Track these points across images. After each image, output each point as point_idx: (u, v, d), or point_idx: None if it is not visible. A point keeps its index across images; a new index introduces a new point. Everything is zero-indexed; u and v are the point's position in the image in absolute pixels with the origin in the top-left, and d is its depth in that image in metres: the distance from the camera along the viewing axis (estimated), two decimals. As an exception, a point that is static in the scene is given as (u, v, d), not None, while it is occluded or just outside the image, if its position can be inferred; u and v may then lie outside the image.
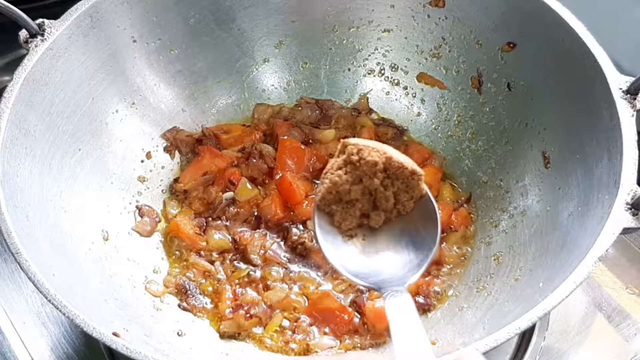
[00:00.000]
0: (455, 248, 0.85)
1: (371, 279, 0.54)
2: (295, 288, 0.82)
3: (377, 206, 0.60)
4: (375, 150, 0.58)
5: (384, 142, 0.93)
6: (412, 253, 0.56)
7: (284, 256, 0.85)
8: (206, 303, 0.81)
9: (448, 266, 0.84)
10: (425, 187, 0.60)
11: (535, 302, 0.59)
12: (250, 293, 0.81)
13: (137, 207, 0.88)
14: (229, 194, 0.89)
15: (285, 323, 0.79)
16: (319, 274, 0.83)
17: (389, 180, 0.59)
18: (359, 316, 0.79)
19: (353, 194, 0.59)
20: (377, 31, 0.96)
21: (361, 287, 0.74)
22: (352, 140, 0.60)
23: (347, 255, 0.57)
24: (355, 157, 0.58)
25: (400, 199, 0.60)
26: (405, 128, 0.97)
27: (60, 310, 0.59)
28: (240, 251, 0.85)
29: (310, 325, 0.79)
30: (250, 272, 0.83)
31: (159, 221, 0.88)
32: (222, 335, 0.79)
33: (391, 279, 0.53)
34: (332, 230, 0.59)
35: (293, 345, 0.77)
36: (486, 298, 0.76)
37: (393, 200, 0.59)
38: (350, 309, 0.79)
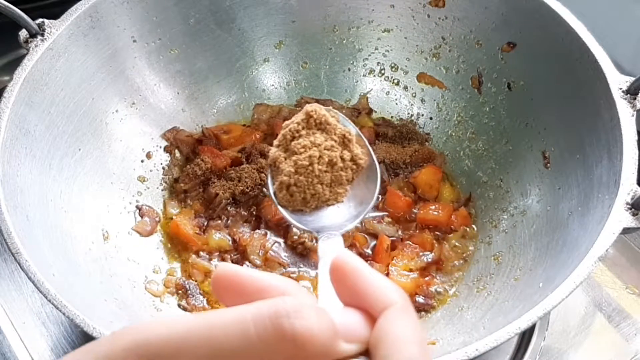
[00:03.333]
0: (455, 248, 0.85)
1: (311, 225, 0.60)
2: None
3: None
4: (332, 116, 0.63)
5: (384, 142, 0.95)
6: (352, 207, 0.61)
7: (284, 256, 0.85)
8: (206, 303, 0.81)
9: (448, 266, 0.84)
10: (371, 152, 0.63)
11: (535, 302, 0.59)
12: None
13: (137, 207, 0.88)
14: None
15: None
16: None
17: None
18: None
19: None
20: (377, 31, 0.96)
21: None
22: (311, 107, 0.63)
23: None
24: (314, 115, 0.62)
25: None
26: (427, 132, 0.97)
27: (60, 310, 0.59)
28: (240, 251, 0.85)
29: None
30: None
31: (159, 221, 0.88)
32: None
33: (330, 226, 0.58)
34: None
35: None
36: (486, 298, 0.76)
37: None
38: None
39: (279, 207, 0.62)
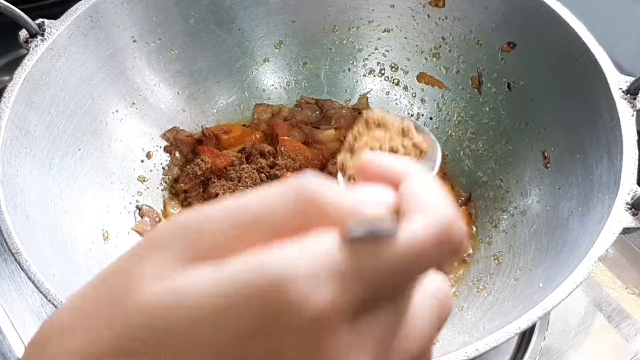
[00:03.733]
0: (455, 248, 0.85)
1: None
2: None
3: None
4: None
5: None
6: None
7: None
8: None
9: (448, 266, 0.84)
10: (430, 134, 0.63)
11: (535, 302, 0.59)
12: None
13: (137, 207, 0.88)
14: None
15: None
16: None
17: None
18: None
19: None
20: (377, 31, 0.96)
21: None
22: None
23: None
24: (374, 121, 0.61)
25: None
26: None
27: (60, 310, 0.59)
28: (240, 251, 0.85)
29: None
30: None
31: (159, 221, 0.88)
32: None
33: None
34: None
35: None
36: (486, 298, 0.76)
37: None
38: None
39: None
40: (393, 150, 0.61)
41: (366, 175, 0.33)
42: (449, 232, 0.29)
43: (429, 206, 0.29)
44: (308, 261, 0.26)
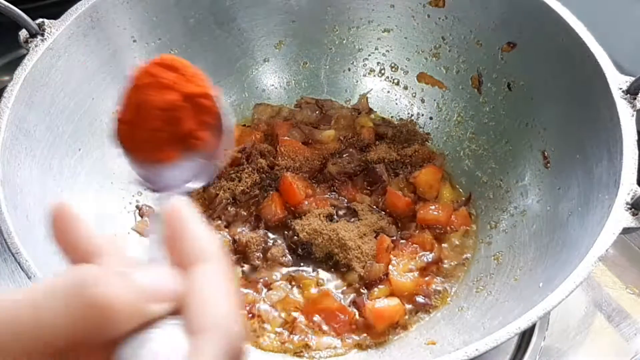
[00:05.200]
0: (455, 248, 0.85)
1: (158, 185, 0.56)
2: (295, 288, 0.82)
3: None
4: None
5: (383, 142, 0.95)
6: (201, 163, 0.58)
7: (284, 256, 0.85)
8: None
9: (448, 266, 0.84)
10: (221, 105, 0.62)
11: (535, 302, 0.59)
12: (251, 293, 0.81)
13: (137, 207, 0.88)
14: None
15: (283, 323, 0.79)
16: (319, 273, 0.83)
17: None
18: (358, 316, 0.79)
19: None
20: (377, 31, 0.96)
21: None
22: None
23: (141, 163, 0.59)
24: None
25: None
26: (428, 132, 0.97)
27: (60, 310, 0.59)
28: (240, 251, 0.85)
29: (307, 325, 0.79)
30: (251, 272, 0.83)
31: (159, 221, 0.88)
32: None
33: (175, 185, 0.55)
34: None
35: (290, 346, 0.77)
36: (486, 298, 0.76)
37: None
38: (350, 309, 0.80)
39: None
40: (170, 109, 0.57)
41: (171, 242, 0.35)
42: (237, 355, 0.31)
43: (217, 324, 0.31)
44: None
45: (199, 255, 0.34)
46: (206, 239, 0.35)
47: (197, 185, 0.56)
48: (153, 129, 0.57)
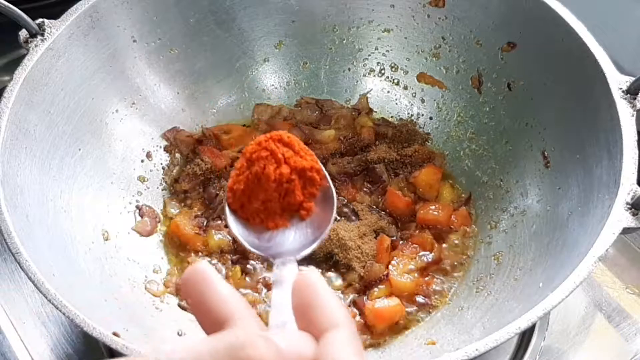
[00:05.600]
0: (455, 248, 0.85)
1: (269, 251, 0.59)
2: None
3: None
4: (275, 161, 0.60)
5: (383, 142, 0.95)
6: (309, 231, 0.61)
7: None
8: (206, 303, 0.81)
9: (448, 266, 0.84)
10: (327, 178, 0.63)
11: (535, 302, 0.59)
12: (251, 293, 0.81)
13: (137, 207, 0.88)
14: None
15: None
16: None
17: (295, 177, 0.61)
18: (359, 316, 0.79)
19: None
20: (377, 31, 0.96)
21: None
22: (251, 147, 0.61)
23: (251, 230, 0.63)
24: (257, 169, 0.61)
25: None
26: (428, 132, 0.97)
27: (60, 310, 0.59)
28: (240, 251, 0.85)
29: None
30: (251, 272, 0.83)
31: (159, 221, 0.88)
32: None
33: (287, 252, 0.59)
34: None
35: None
36: (486, 298, 0.76)
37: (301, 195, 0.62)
38: (350, 309, 0.80)
39: (240, 238, 0.61)
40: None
41: (300, 310, 0.38)
42: None
43: None
44: None
45: (331, 322, 0.37)
46: (335, 305, 0.38)
47: (306, 252, 0.58)
48: (266, 199, 0.59)
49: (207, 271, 0.39)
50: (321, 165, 0.62)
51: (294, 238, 0.60)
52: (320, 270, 0.83)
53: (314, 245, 0.60)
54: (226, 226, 0.88)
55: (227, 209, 0.62)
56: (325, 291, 0.39)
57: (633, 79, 0.68)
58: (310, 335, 0.37)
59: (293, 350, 0.35)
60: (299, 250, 0.59)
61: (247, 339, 0.34)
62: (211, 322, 0.38)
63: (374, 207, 0.89)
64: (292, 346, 0.36)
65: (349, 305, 0.80)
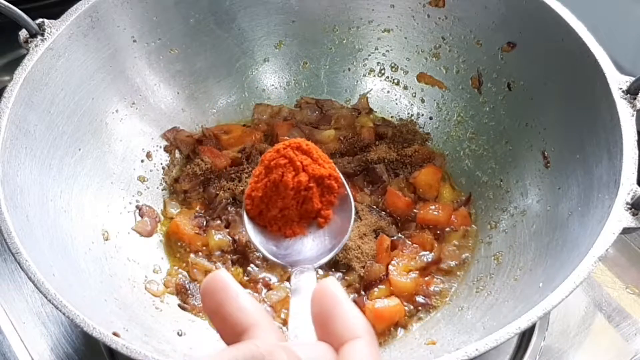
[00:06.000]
0: (455, 248, 0.85)
1: (287, 259, 0.59)
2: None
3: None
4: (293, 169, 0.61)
5: (383, 142, 0.95)
6: (327, 239, 0.61)
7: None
8: (206, 303, 0.81)
9: (448, 266, 0.84)
10: (345, 186, 0.63)
11: (535, 302, 0.59)
12: (251, 293, 0.81)
13: (137, 207, 0.88)
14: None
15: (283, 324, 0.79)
16: (319, 274, 0.83)
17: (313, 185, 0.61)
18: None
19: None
20: (377, 31, 0.96)
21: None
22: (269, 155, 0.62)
23: (269, 237, 0.63)
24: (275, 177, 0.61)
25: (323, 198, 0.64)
26: (428, 132, 0.97)
27: (60, 310, 0.59)
28: (240, 251, 0.85)
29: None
30: (251, 272, 0.83)
31: (159, 221, 0.88)
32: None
33: (304, 260, 0.58)
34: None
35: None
36: (486, 298, 0.76)
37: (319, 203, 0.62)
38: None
39: (259, 246, 0.61)
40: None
41: (320, 319, 0.38)
42: None
43: None
44: None
45: (351, 332, 0.37)
46: (356, 315, 0.38)
47: (323, 261, 0.58)
48: (283, 207, 0.59)
49: (226, 280, 0.39)
50: (339, 173, 0.62)
51: (311, 246, 0.60)
52: (319, 270, 0.84)
53: (332, 254, 0.59)
54: (226, 226, 0.88)
55: (245, 216, 0.62)
56: (346, 301, 0.38)
57: (633, 79, 0.68)
58: (329, 346, 0.37)
59: None
60: (317, 259, 0.58)
61: (267, 350, 0.34)
62: (230, 331, 0.38)
63: (374, 207, 0.89)
64: (311, 357, 0.36)
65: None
